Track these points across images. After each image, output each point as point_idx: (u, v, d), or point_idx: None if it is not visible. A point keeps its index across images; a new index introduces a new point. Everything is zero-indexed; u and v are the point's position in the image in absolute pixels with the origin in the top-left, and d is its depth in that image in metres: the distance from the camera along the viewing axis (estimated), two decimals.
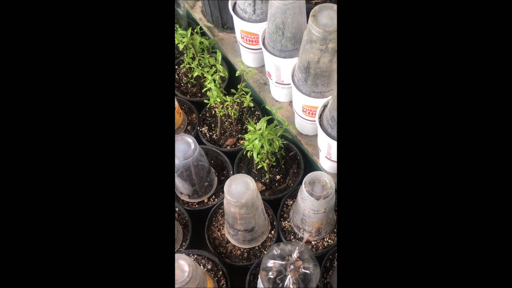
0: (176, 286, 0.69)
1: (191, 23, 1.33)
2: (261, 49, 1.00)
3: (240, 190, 0.83)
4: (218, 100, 1.00)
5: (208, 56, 1.08)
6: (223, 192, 1.03)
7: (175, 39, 1.06)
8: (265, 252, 0.96)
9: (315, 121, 0.91)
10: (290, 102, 1.10)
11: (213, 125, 1.15)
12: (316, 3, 1.03)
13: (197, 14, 1.27)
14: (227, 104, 1.03)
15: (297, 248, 0.77)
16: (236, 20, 1.04)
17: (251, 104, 1.05)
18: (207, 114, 1.17)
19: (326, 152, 0.93)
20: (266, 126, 0.91)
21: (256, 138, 0.91)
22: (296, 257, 0.77)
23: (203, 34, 1.23)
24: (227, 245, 0.98)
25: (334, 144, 0.88)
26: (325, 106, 0.90)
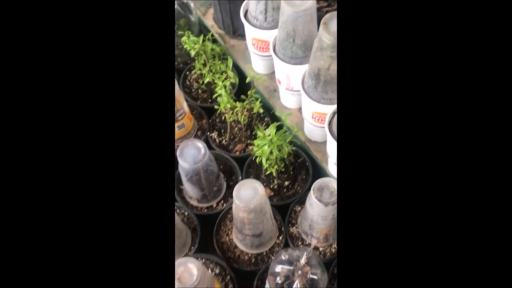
0: None
1: (203, 29, 1.34)
2: (271, 56, 1.00)
3: (249, 195, 0.83)
4: (228, 106, 1.01)
5: (219, 62, 1.08)
6: (231, 197, 1.02)
7: (187, 46, 1.07)
8: (273, 257, 0.95)
9: (324, 127, 0.91)
10: (299, 109, 1.10)
11: (222, 130, 1.15)
12: (327, 11, 1.03)
13: (209, 21, 1.28)
14: (237, 110, 1.03)
15: (305, 253, 0.77)
16: (247, 27, 1.04)
17: (261, 111, 1.06)
18: (217, 120, 1.17)
19: (335, 158, 0.93)
20: (276, 132, 0.91)
21: (265, 144, 0.91)
22: (304, 262, 0.77)
23: (214, 41, 1.24)
24: (235, 250, 0.98)
25: None
26: (334, 113, 0.90)
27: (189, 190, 1.00)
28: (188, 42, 1.07)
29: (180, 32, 1.17)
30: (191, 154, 0.92)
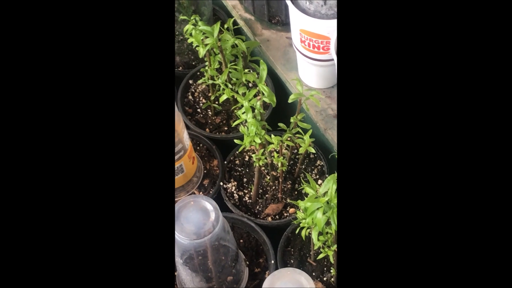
0: None
1: (219, 12, 1.35)
2: (332, 60, 1.00)
3: None
4: (258, 140, 1.00)
5: (245, 70, 1.08)
6: None
7: (194, 39, 1.08)
8: None
9: None
10: None
11: (245, 179, 1.15)
12: None
13: (230, 0, 1.30)
14: (272, 149, 1.02)
15: None
16: (293, 13, 1.04)
17: (312, 150, 1.04)
18: (237, 161, 1.17)
19: None
20: (337, 189, 0.89)
21: (318, 208, 0.89)
22: None
23: (238, 31, 1.24)
24: None
25: None
26: None
27: (187, 280, 0.99)
28: (195, 34, 1.08)
29: (181, 17, 1.18)
30: (194, 221, 0.91)
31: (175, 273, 1.03)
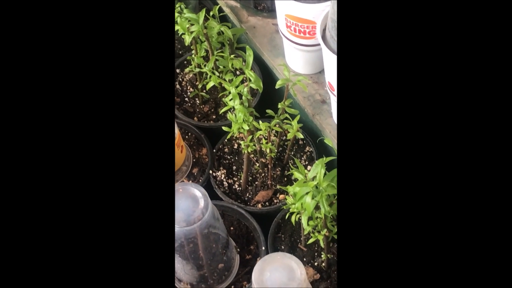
0: None
1: (205, 1, 1.35)
2: (319, 45, 1.00)
3: (279, 279, 0.82)
4: (246, 127, 1.00)
5: (232, 56, 1.08)
6: (248, 281, 1.01)
7: (179, 27, 1.07)
8: None
9: None
10: None
11: (235, 167, 1.15)
12: None
13: None
14: (260, 135, 1.03)
15: None
16: None
17: (300, 136, 1.05)
18: (226, 150, 1.17)
19: None
20: (325, 174, 0.89)
21: (307, 193, 0.89)
22: None
23: (224, 19, 1.24)
24: None
25: None
26: None
27: (179, 267, 0.99)
28: (181, 21, 1.08)
29: None
30: (182, 209, 0.91)
31: None
